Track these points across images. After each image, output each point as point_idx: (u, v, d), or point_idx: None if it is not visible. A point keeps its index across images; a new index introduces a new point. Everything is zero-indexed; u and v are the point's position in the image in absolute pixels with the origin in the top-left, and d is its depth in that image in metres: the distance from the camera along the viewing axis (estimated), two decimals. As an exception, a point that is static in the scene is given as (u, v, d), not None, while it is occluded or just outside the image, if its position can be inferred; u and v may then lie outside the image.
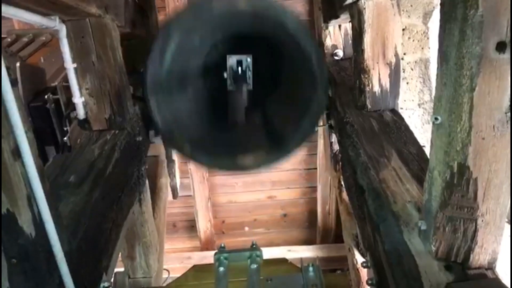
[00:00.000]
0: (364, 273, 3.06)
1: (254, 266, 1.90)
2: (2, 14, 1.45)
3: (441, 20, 1.18)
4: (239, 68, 2.32)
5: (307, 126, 1.85)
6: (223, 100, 2.26)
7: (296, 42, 1.74)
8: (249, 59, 2.36)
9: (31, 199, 1.22)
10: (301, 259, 1.97)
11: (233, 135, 2.00)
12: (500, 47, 1.05)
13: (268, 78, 2.32)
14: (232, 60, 2.24)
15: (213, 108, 2.22)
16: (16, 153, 1.15)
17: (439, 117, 1.25)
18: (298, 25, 1.73)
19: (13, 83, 1.14)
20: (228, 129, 2.11)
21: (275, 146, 1.89)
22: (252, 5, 1.76)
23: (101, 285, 1.64)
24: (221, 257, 1.94)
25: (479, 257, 1.34)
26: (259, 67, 2.34)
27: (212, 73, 2.39)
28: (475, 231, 1.30)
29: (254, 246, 2.01)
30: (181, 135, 1.85)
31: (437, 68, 1.24)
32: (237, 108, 1.80)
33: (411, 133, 2.14)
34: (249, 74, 2.40)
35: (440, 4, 1.17)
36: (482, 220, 1.28)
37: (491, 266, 1.35)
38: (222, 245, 2.04)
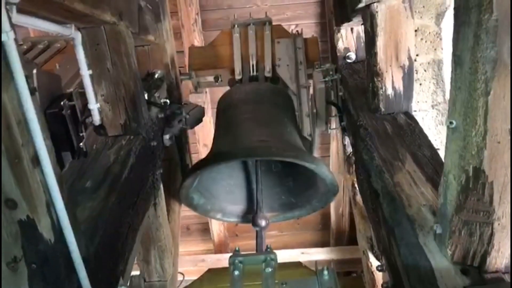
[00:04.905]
0: (379, 276, 3.05)
1: (269, 270, 1.90)
2: (19, 24, 1.47)
3: (455, 25, 1.18)
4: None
5: (317, 205, 2.27)
6: (247, 179, 2.49)
7: (313, 171, 2.10)
8: None
9: (50, 205, 1.24)
10: (316, 263, 1.98)
11: (256, 205, 2.36)
12: (515, 51, 1.05)
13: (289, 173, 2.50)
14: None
15: (239, 184, 2.45)
16: (36, 160, 1.18)
17: (453, 121, 1.24)
18: (313, 164, 1.98)
19: (32, 91, 1.16)
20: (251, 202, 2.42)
21: (289, 209, 2.34)
22: (271, 155, 2.22)
23: (118, 289, 1.66)
24: (236, 261, 1.95)
25: (496, 261, 1.34)
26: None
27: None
28: (492, 234, 1.30)
29: (268, 249, 2.02)
30: (214, 208, 2.32)
31: (451, 72, 1.24)
32: (261, 242, 2.18)
33: (425, 136, 2.13)
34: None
35: (454, 8, 1.16)
36: (499, 224, 1.28)
37: (508, 270, 1.34)
38: (237, 248, 2.06)
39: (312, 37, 3.35)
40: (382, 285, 1.80)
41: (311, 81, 3.09)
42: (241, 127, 2.38)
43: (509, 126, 1.14)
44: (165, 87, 3.01)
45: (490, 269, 1.35)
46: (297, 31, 3.32)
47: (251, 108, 2.63)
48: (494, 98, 1.12)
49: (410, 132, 2.17)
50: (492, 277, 1.33)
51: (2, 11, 1.06)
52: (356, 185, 3.17)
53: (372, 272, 3.17)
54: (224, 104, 2.79)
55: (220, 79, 3.29)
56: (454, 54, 1.21)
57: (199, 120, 3.24)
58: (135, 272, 2.56)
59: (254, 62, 3.17)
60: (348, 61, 3.02)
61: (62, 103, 2.29)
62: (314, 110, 2.99)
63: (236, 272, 1.91)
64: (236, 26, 3.33)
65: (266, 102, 2.72)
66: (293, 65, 3.12)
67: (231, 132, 2.36)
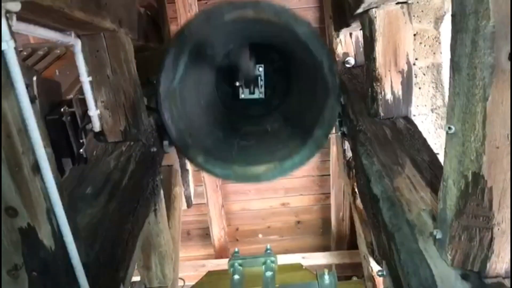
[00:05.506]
0: (379, 281, 3.04)
1: (269, 273, 1.90)
2: (20, 32, 1.48)
3: (452, 31, 1.18)
4: (252, 75, 2.36)
5: (320, 134, 1.84)
6: (236, 110, 2.30)
7: (308, 48, 1.75)
8: (261, 68, 2.42)
9: (50, 213, 1.24)
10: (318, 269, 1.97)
11: (246, 146, 2.04)
12: (513, 56, 1.05)
13: (280, 88, 2.33)
14: (244, 65, 2.26)
15: (226, 118, 2.26)
16: (36, 168, 1.18)
17: (452, 127, 1.25)
18: (308, 31, 1.74)
19: (32, 99, 1.16)
20: (240, 138, 2.15)
21: (288, 156, 1.88)
22: (263, 12, 1.78)
23: (119, 295, 1.66)
24: (236, 264, 1.95)
25: (496, 266, 1.34)
26: (271, 77, 2.37)
27: (225, 84, 2.43)
28: (491, 239, 1.30)
29: (268, 251, 2.01)
30: (195, 145, 1.87)
31: (450, 77, 1.24)
32: (246, 63, 1.80)
33: (424, 140, 2.14)
34: (261, 83, 2.45)
35: (452, 15, 1.17)
36: (498, 229, 1.28)
37: (508, 275, 1.34)
38: (236, 250, 2.04)
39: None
40: (382, 290, 1.80)
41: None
42: None
43: (507, 131, 1.14)
44: (165, 93, 3.01)
45: (490, 274, 1.35)
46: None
47: None
48: (492, 103, 1.12)
49: (410, 137, 2.17)
50: (492, 282, 1.33)
51: (2, 20, 1.06)
52: (356, 190, 3.17)
53: (372, 277, 3.16)
54: None
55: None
56: (452, 60, 1.21)
57: (199, 125, 3.24)
58: (136, 278, 2.56)
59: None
60: (347, 66, 3.03)
61: (62, 109, 2.30)
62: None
63: (236, 277, 1.91)
64: None
65: None
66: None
67: None
